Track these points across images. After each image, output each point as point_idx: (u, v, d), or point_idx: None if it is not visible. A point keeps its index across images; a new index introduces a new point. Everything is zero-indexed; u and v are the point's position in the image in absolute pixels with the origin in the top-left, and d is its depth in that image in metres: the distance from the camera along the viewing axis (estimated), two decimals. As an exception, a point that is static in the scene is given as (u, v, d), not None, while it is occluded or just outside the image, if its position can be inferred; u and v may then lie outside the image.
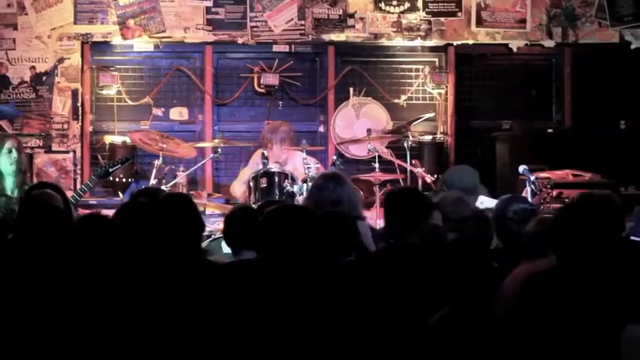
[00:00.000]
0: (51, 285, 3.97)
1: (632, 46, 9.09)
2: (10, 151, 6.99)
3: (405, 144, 8.15)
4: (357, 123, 8.94)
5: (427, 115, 8.87)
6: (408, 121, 8.71)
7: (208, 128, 8.96)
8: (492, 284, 3.78)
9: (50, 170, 8.61)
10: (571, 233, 3.58)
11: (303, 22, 8.82)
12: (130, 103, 8.85)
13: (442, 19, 8.94)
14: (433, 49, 9.15)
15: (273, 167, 7.45)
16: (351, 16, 8.86)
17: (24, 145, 7.79)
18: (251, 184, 7.39)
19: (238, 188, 8.05)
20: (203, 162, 8.39)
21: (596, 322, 3.28)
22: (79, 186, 8.41)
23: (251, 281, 3.81)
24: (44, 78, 8.64)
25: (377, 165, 8.00)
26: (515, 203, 4.99)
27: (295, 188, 7.18)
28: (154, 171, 7.66)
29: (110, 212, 4.61)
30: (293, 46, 8.94)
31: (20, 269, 4.08)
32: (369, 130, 8.42)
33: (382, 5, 8.85)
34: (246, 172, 7.92)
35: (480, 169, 7.17)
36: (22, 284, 3.99)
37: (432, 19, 8.93)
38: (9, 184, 6.96)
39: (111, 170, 7.21)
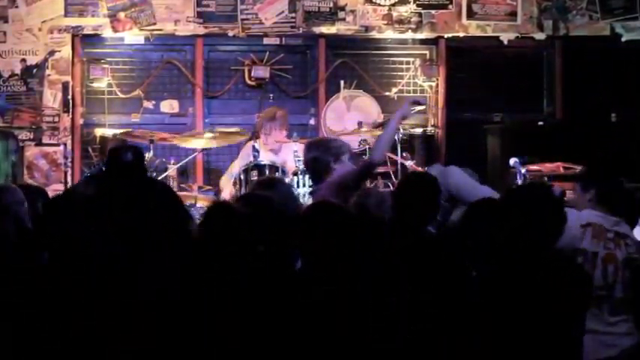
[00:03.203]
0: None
1: (623, 39, 9.09)
2: (9, 152, 6.87)
3: (396, 136, 8.14)
4: (348, 115, 8.94)
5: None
6: (398, 114, 8.70)
7: (199, 121, 8.95)
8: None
9: (41, 163, 8.59)
10: None
11: (293, 14, 8.81)
12: (121, 95, 8.84)
13: (433, 11, 8.94)
14: (424, 42, 9.15)
15: (264, 160, 7.45)
16: (342, 8, 8.85)
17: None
18: (242, 176, 7.37)
19: (226, 182, 7.97)
20: (194, 155, 8.38)
21: None
22: (69, 179, 8.42)
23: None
24: (35, 71, 8.61)
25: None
26: None
27: (286, 181, 7.16)
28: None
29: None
30: (284, 39, 8.93)
31: None
32: (360, 123, 8.42)
33: (373, -2, 8.86)
34: (237, 166, 7.90)
35: (471, 162, 7.16)
36: None
37: (422, 11, 8.92)
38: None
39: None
